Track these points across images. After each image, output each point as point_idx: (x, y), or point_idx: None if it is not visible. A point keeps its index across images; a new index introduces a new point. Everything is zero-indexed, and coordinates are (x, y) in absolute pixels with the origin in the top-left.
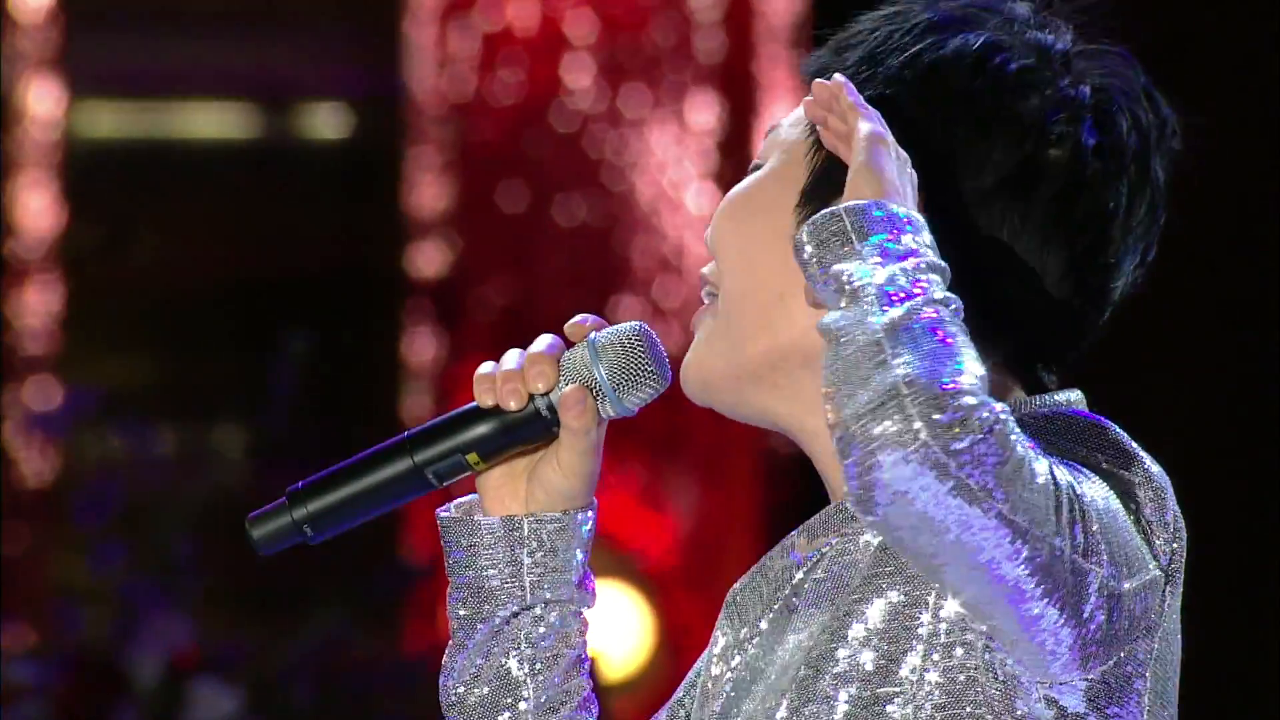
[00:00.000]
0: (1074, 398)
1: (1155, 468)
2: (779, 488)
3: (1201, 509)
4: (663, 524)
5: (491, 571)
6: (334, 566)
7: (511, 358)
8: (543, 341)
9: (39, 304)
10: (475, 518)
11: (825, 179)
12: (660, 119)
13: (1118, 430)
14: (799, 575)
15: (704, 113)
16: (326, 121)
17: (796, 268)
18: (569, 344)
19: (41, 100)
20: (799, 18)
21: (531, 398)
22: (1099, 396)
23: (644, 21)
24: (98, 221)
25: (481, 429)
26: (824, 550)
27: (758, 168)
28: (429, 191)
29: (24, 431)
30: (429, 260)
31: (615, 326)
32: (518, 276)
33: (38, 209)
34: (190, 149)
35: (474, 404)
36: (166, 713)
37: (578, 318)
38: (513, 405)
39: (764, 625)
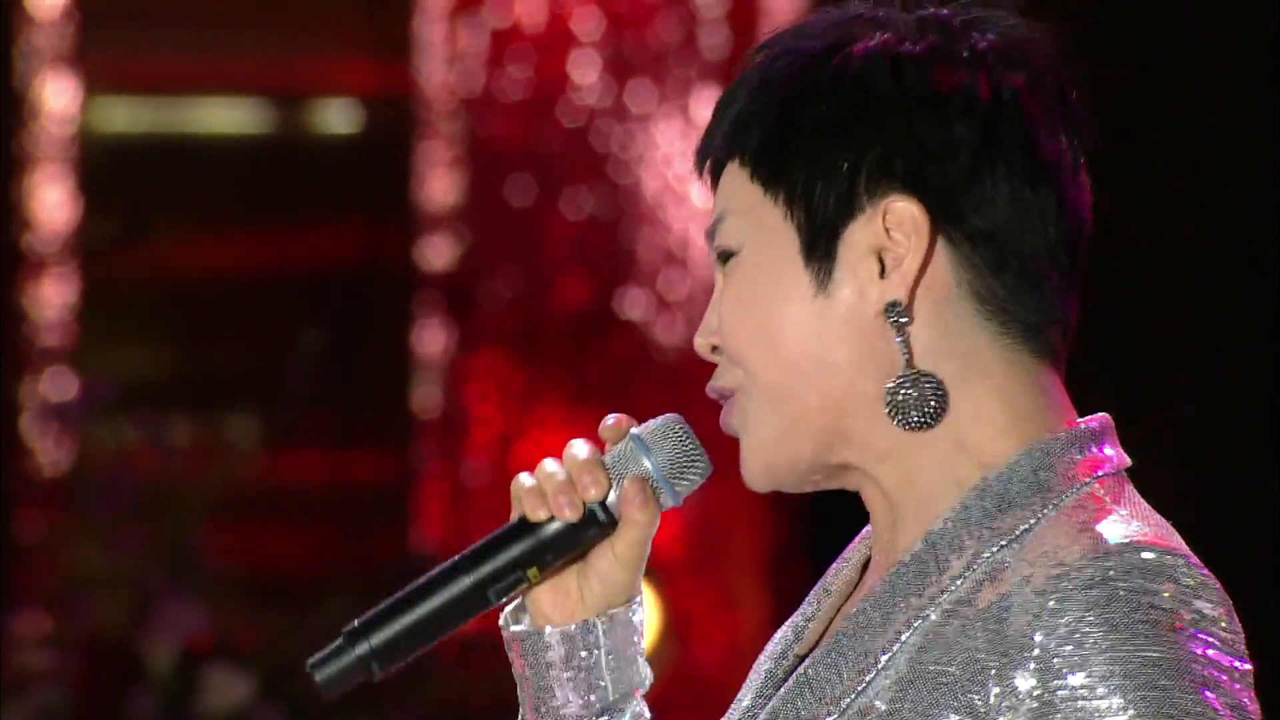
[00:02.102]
0: (1095, 428)
1: (1231, 658)
2: None
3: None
4: (669, 514)
5: (570, 680)
6: (344, 556)
7: (552, 468)
8: (583, 448)
9: (55, 296)
10: (547, 629)
11: (816, 226)
12: (666, 114)
13: (1206, 599)
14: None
15: (708, 108)
16: (338, 117)
17: (830, 325)
18: (600, 446)
19: (57, 96)
20: (802, 15)
21: (585, 504)
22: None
23: (650, 18)
24: (113, 215)
25: (538, 542)
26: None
27: (724, 256)
28: (439, 185)
29: (40, 421)
30: (439, 253)
31: (653, 421)
32: (526, 269)
33: (54, 203)
34: (204, 144)
35: (521, 518)
36: (181, 698)
37: (609, 419)
38: (570, 516)
39: None
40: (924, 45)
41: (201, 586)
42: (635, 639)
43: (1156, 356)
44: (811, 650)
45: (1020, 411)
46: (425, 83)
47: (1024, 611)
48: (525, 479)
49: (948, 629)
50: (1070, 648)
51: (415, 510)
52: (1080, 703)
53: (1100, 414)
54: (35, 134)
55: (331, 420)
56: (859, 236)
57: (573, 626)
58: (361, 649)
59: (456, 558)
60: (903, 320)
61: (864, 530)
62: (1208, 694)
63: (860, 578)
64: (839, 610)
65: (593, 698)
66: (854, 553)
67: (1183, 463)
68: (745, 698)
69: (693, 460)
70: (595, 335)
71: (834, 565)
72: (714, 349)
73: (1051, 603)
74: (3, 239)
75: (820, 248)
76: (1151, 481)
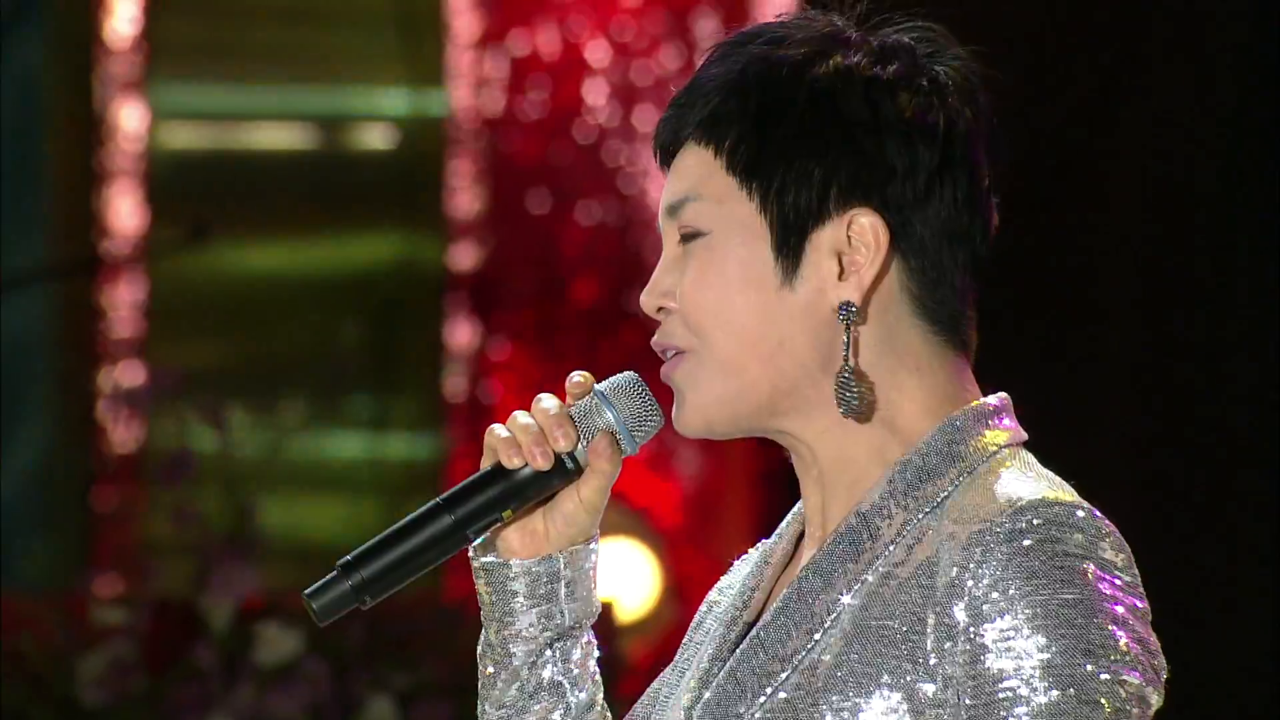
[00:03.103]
0: (995, 404)
1: (1132, 597)
2: (771, 457)
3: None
4: (669, 487)
5: (532, 606)
6: (382, 526)
7: (525, 420)
8: (552, 402)
9: (127, 296)
10: (514, 562)
11: (788, 227)
12: None
13: (1106, 548)
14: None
15: None
16: (377, 137)
17: (789, 314)
18: (562, 397)
19: (129, 118)
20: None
21: (555, 454)
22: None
23: (653, 48)
24: (178, 223)
25: (512, 486)
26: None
27: (689, 235)
28: (466, 197)
29: (114, 406)
30: (466, 257)
31: (614, 378)
32: (544, 270)
33: (126, 212)
34: (259, 161)
35: (497, 465)
36: (237, 651)
37: (576, 375)
38: (543, 465)
39: None
40: (893, 71)
41: (255, 553)
42: (591, 574)
43: (1100, 355)
44: (759, 616)
45: (942, 396)
46: (454, 106)
47: (952, 565)
48: (500, 430)
49: (885, 590)
50: (996, 594)
51: (445, 484)
52: (1009, 643)
53: (1000, 393)
54: (110, 152)
55: (371, 404)
56: (824, 240)
57: (538, 561)
58: (354, 580)
59: (438, 499)
60: (853, 319)
61: (795, 507)
62: (1117, 629)
63: (795, 550)
64: (777, 580)
65: (551, 624)
66: (788, 528)
67: (1127, 461)
68: (703, 659)
69: (649, 413)
70: (605, 329)
71: (769, 541)
72: (660, 309)
73: (977, 554)
74: (83, 244)
75: (790, 245)
76: (1100, 481)
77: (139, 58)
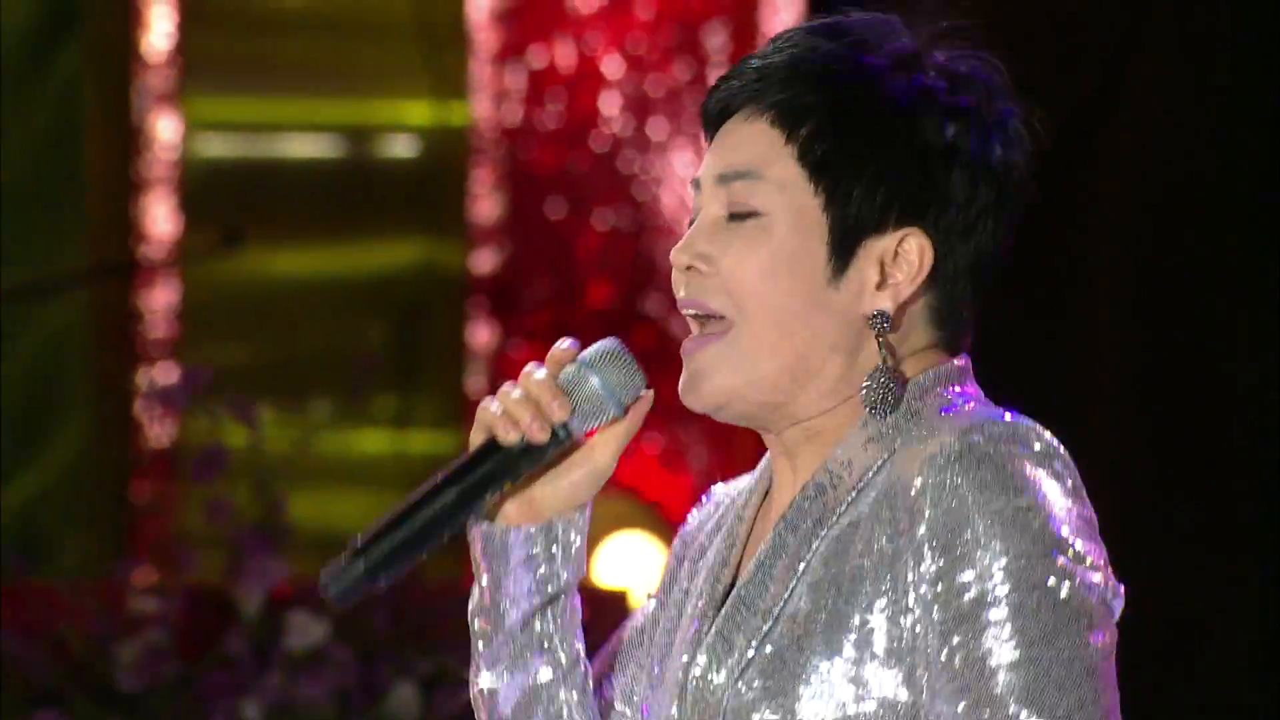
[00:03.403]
0: (957, 364)
1: (1081, 504)
2: None
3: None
4: (680, 481)
5: (529, 571)
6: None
7: (514, 393)
8: (540, 373)
9: (162, 298)
10: (513, 529)
11: (846, 231)
12: (679, 143)
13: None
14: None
15: None
16: (402, 146)
17: (827, 310)
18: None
19: (165, 129)
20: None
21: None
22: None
23: (666, 61)
24: (211, 229)
25: (510, 459)
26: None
27: (741, 212)
28: (487, 204)
29: (150, 403)
30: (487, 261)
31: (596, 345)
32: (561, 274)
33: (162, 219)
34: (288, 170)
35: (493, 440)
36: (267, 638)
37: (562, 343)
38: (541, 438)
39: None
40: (969, 105)
41: (285, 543)
42: (582, 540)
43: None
44: (738, 569)
45: None
46: (475, 117)
47: (908, 491)
48: (493, 406)
49: (852, 535)
50: (955, 504)
51: None
52: (970, 553)
53: (964, 355)
54: (147, 161)
55: (395, 402)
56: (875, 250)
57: (534, 527)
58: (367, 563)
59: (439, 477)
60: (885, 326)
61: (760, 464)
62: (1071, 533)
63: (762, 503)
64: (749, 538)
65: (546, 587)
66: (757, 483)
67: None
68: (689, 615)
69: (632, 375)
70: (620, 330)
71: (736, 493)
72: (689, 268)
73: (932, 478)
74: (120, 249)
75: (844, 248)
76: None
77: (174, 71)
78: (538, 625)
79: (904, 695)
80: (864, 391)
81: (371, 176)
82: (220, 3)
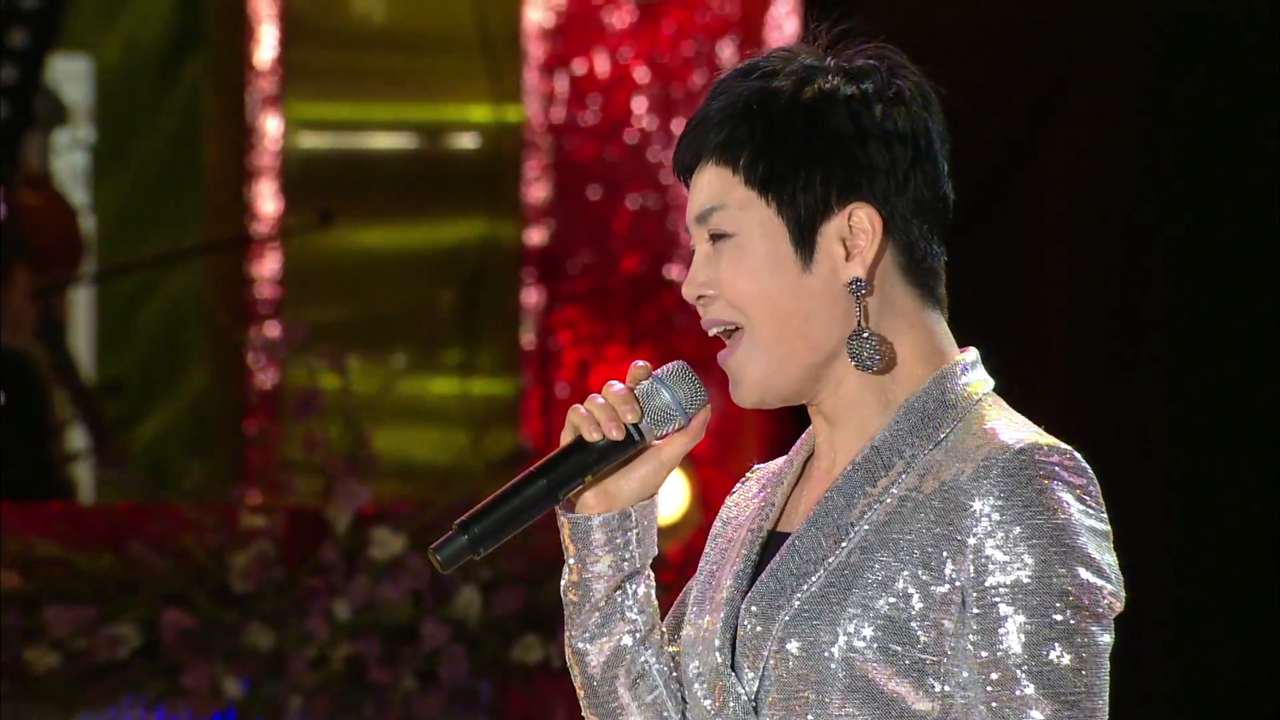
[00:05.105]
0: (972, 358)
1: (1101, 522)
2: None
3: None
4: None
5: (609, 552)
6: (469, 451)
7: (600, 401)
8: (619, 387)
9: (268, 267)
10: (595, 517)
11: (802, 225)
12: None
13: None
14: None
15: None
16: (468, 141)
17: (810, 293)
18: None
19: (271, 127)
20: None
21: (626, 427)
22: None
23: (686, 70)
24: (308, 211)
25: (592, 455)
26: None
27: (718, 237)
28: (537, 188)
29: (258, 355)
30: (537, 235)
31: (668, 365)
32: (598, 246)
33: (268, 201)
34: (372, 160)
35: (579, 438)
36: (355, 550)
37: (638, 364)
38: (616, 436)
39: None
40: (866, 88)
41: (369, 472)
42: (654, 525)
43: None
44: (776, 526)
45: (930, 346)
46: (528, 116)
47: (961, 492)
48: (579, 409)
49: (903, 509)
50: (998, 517)
51: (520, 418)
52: (1006, 556)
53: (970, 347)
54: (257, 153)
55: (460, 353)
56: (831, 231)
57: (614, 515)
58: (469, 536)
59: (533, 468)
60: (862, 291)
61: (803, 435)
62: (1091, 548)
63: (801, 472)
64: (788, 498)
65: (624, 565)
66: (797, 454)
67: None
68: (734, 564)
69: (697, 391)
70: (647, 294)
71: (780, 464)
72: (699, 298)
73: (984, 484)
74: (235, 226)
75: (805, 239)
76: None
77: (279, 79)
78: (618, 598)
79: (929, 657)
80: (847, 351)
81: (441, 166)
82: (316, 22)
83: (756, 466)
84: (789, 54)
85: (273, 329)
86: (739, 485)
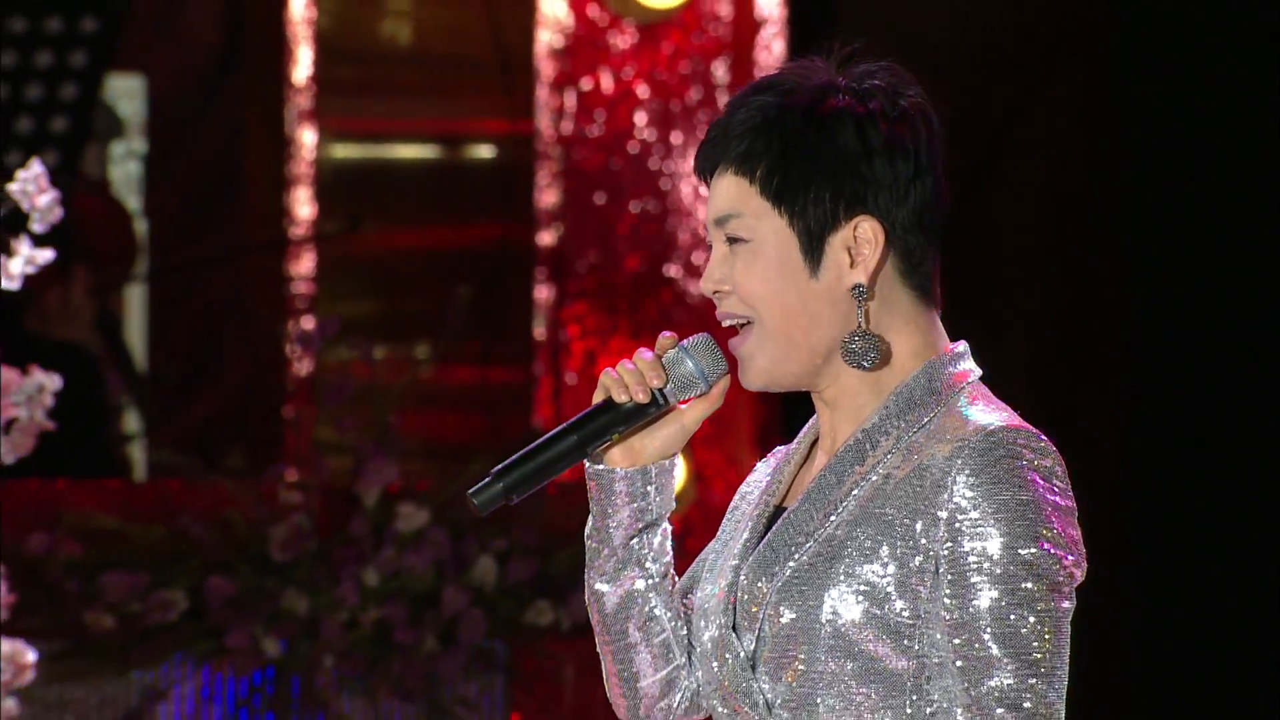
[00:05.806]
0: (961, 350)
1: (1066, 499)
2: None
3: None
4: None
5: (629, 503)
6: (485, 433)
7: (629, 366)
8: (647, 353)
9: (303, 266)
10: (619, 470)
11: (811, 236)
12: (693, 149)
13: (1039, 469)
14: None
15: None
16: (485, 151)
17: (816, 296)
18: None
19: (307, 137)
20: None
21: (651, 390)
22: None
23: (684, 86)
24: (340, 214)
25: (620, 415)
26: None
27: (735, 240)
28: (548, 193)
29: (294, 346)
30: (548, 237)
31: (693, 337)
32: (604, 248)
33: (303, 204)
34: (398, 169)
35: (608, 399)
36: (383, 523)
37: (666, 334)
38: (642, 399)
39: None
40: (873, 108)
41: (395, 452)
42: (672, 482)
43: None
44: (783, 501)
45: (923, 342)
46: (539, 128)
47: (937, 470)
48: (610, 372)
49: (886, 486)
50: (970, 493)
51: (533, 403)
52: (977, 529)
53: (961, 340)
54: (295, 162)
55: (478, 345)
56: (837, 241)
57: (637, 470)
58: (504, 483)
59: (565, 424)
60: (864, 296)
61: (811, 420)
62: (1056, 522)
63: (809, 454)
64: (795, 477)
65: (643, 516)
66: (805, 437)
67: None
68: (743, 534)
69: (718, 361)
70: (648, 290)
71: (792, 445)
72: (715, 292)
73: (957, 463)
74: (273, 229)
75: (813, 249)
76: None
77: (314, 94)
78: (635, 545)
79: (905, 620)
80: (843, 349)
81: (460, 174)
82: (348, 43)
83: (777, 448)
84: (804, 72)
85: (308, 322)
86: (760, 464)
